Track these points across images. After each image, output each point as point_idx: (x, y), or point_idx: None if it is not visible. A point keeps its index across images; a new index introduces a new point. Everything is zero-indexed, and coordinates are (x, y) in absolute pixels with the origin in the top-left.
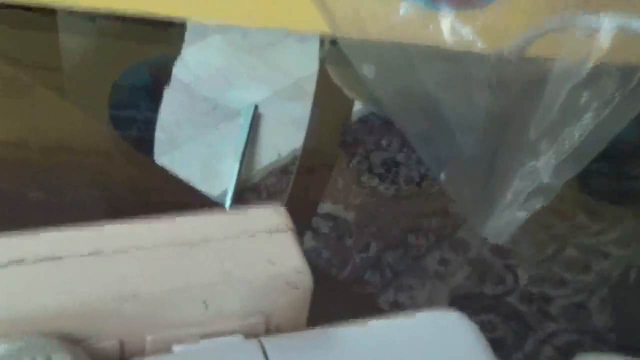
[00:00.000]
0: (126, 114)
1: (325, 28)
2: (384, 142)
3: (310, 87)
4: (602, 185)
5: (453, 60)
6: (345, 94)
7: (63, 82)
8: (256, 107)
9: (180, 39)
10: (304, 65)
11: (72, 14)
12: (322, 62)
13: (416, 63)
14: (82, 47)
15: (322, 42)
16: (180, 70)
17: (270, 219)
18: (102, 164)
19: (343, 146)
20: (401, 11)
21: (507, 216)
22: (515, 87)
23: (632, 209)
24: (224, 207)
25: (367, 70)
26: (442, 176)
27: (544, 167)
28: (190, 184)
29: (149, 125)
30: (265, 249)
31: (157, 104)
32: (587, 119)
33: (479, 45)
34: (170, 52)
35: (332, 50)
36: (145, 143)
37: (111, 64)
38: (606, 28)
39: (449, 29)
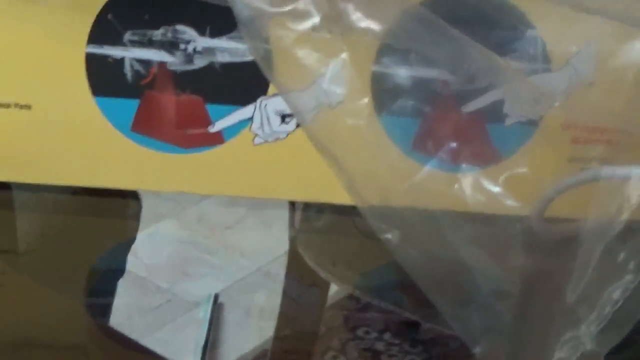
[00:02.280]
0: (105, 302)
1: (293, 195)
2: (360, 331)
3: (278, 271)
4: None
5: (482, 221)
6: (320, 276)
7: (25, 267)
8: (216, 297)
9: None
10: (269, 248)
11: (26, 188)
12: (293, 242)
13: (443, 226)
14: (44, 225)
15: (291, 220)
16: (132, 260)
17: None
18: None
19: (317, 337)
20: (422, 175)
21: None
22: (548, 248)
23: None
24: None
25: (392, 236)
26: (478, 350)
27: (585, 335)
28: None
29: None
30: None
31: None
32: (627, 279)
33: (508, 203)
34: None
35: (304, 228)
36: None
37: (85, 244)
38: (636, 179)
39: (473, 188)
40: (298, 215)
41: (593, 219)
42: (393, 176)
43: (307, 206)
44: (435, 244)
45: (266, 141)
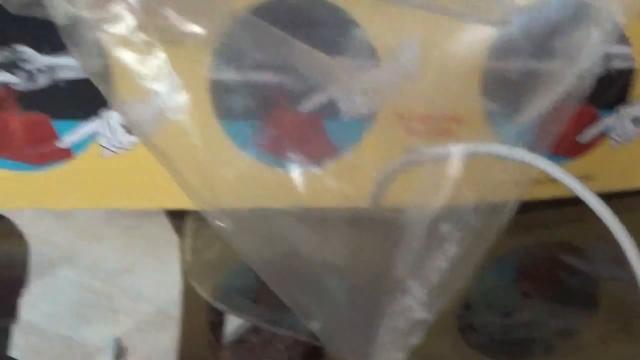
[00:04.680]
0: None
1: (146, 203)
2: None
3: (175, 310)
4: (487, 338)
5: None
6: (214, 307)
7: None
8: (118, 341)
9: None
10: (166, 287)
11: None
12: (185, 276)
13: (272, 213)
14: None
15: (182, 253)
16: (28, 310)
17: None
18: None
19: None
20: (265, 176)
21: (386, 358)
22: (377, 229)
23: None
24: None
25: (225, 223)
26: (314, 324)
27: (414, 303)
28: None
29: None
30: None
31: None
32: (450, 249)
33: (347, 197)
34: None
35: (195, 260)
36: None
37: None
38: (455, 155)
39: (313, 185)
40: (188, 247)
41: (418, 197)
42: (239, 179)
43: (196, 237)
44: (266, 229)
45: (115, 153)
